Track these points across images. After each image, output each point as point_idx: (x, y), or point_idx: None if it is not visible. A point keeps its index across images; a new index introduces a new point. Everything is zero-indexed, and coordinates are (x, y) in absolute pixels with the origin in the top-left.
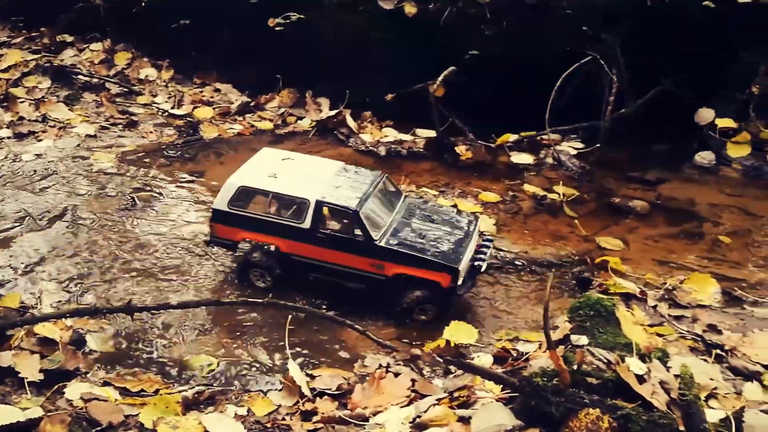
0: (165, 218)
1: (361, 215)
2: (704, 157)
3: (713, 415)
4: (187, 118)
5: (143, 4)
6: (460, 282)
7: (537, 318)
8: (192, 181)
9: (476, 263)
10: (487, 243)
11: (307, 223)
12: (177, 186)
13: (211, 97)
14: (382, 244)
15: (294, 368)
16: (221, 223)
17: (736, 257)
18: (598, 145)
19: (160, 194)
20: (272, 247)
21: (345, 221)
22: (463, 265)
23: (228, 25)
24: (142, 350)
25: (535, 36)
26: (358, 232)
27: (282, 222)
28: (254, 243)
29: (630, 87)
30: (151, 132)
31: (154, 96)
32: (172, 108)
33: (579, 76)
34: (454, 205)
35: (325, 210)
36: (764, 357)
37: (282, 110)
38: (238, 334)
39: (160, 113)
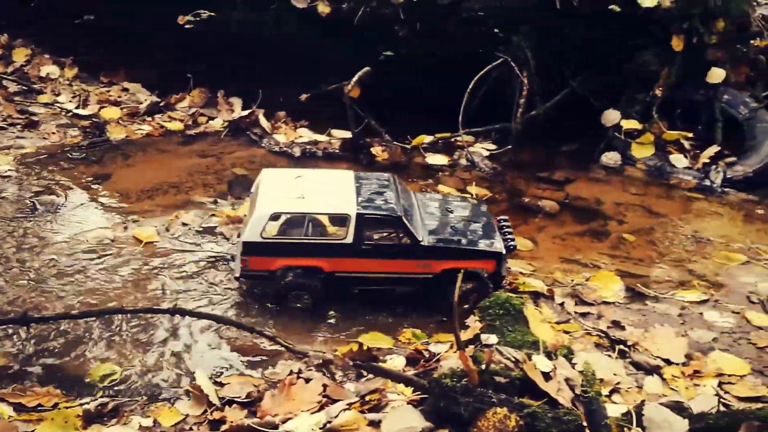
0: (68, 223)
1: (404, 220)
2: (610, 157)
3: (616, 409)
4: (93, 119)
5: None
6: (503, 266)
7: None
8: (97, 185)
9: (509, 244)
10: (506, 222)
11: (350, 238)
12: (81, 190)
13: (119, 97)
14: (427, 243)
15: (201, 376)
16: (255, 255)
17: (639, 254)
18: (510, 146)
19: (63, 198)
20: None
21: (388, 229)
22: (504, 249)
23: (136, 22)
24: (39, 363)
25: (448, 37)
26: (402, 236)
27: (323, 242)
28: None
29: (540, 89)
30: (53, 133)
31: (57, 95)
32: (77, 108)
33: (491, 78)
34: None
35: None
36: (664, 351)
37: (193, 110)
38: (144, 342)
39: (63, 113)
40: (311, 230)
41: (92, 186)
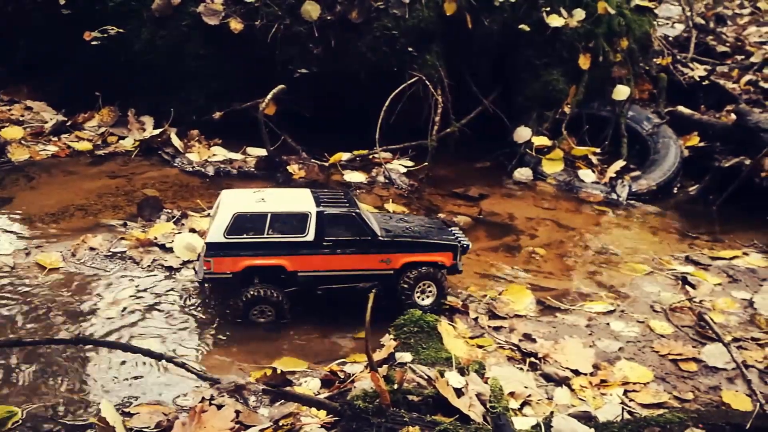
0: None
1: (362, 215)
2: (522, 173)
3: (526, 422)
4: None
5: None
6: (458, 260)
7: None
8: None
9: (462, 243)
10: (457, 227)
11: (311, 235)
12: None
13: (22, 116)
14: (387, 238)
15: (107, 407)
16: (218, 255)
17: (549, 268)
18: (426, 163)
19: None
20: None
21: (347, 225)
22: (459, 244)
23: (39, 38)
24: None
25: (362, 55)
26: (361, 232)
27: (285, 240)
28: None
29: (454, 107)
30: None
31: None
32: None
33: (406, 96)
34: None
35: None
36: (573, 362)
37: (102, 129)
38: (45, 376)
39: None
40: (273, 229)
41: None
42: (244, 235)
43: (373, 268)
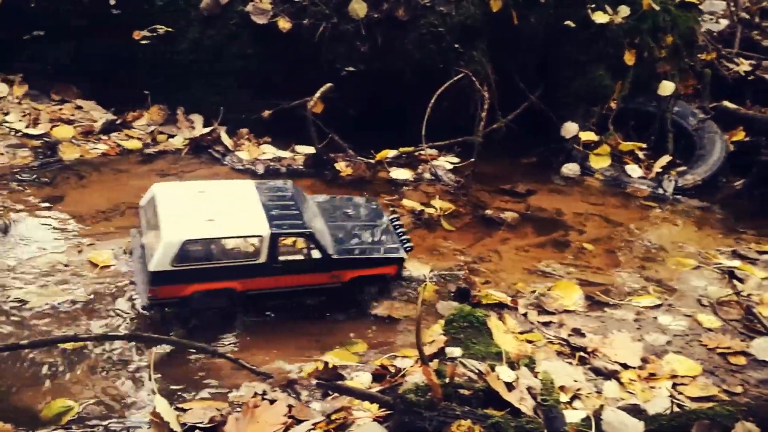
0: (18, 249)
1: (316, 237)
2: (570, 168)
3: (576, 415)
4: (44, 138)
5: None
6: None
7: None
8: (49, 208)
9: (407, 246)
10: (398, 222)
11: (263, 258)
12: (32, 213)
13: (72, 115)
14: (338, 257)
15: (161, 403)
16: (164, 284)
17: (598, 263)
18: (473, 159)
19: (11, 223)
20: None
21: (300, 246)
22: (404, 254)
23: (88, 38)
24: None
25: (408, 52)
26: (314, 251)
27: (237, 264)
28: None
29: (500, 103)
30: (1, 154)
31: (6, 114)
32: (27, 127)
33: (453, 92)
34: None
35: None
36: (622, 356)
37: (152, 128)
38: (100, 371)
39: (12, 133)
40: (223, 254)
41: (44, 209)
42: (193, 263)
43: (322, 283)
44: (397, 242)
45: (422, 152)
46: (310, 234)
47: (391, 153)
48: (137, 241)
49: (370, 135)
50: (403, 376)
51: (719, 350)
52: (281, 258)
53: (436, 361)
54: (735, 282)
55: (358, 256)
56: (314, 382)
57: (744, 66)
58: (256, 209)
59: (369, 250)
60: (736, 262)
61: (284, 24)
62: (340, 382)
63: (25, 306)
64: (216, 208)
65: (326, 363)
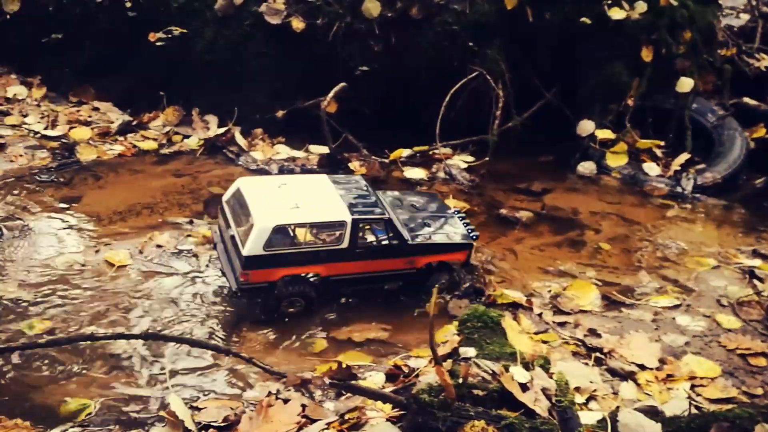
0: (37, 248)
1: (393, 222)
2: (586, 167)
3: (592, 416)
4: (62, 140)
5: (8, 17)
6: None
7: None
8: (67, 208)
9: (473, 234)
10: (462, 214)
11: (345, 243)
12: (50, 213)
13: (89, 117)
14: (413, 242)
15: (176, 401)
16: (255, 268)
17: (614, 262)
18: (487, 158)
19: (31, 223)
20: (311, 276)
21: (379, 230)
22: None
23: (105, 40)
24: (6, 394)
25: (422, 51)
26: (392, 237)
27: (321, 249)
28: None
29: (515, 101)
30: (20, 155)
31: (25, 116)
32: (45, 129)
33: (467, 91)
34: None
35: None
36: (638, 357)
37: (167, 129)
38: (116, 370)
39: (31, 135)
40: (309, 239)
41: (62, 209)
42: (282, 248)
43: (399, 269)
44: (464, 231)
45: (436, 151)
46: (389, 220)
47: (405, 152)
48: (219, 236)
49: (385, 134)
50: (417, 376)
51: (739, 351)
52: (361, 243)
53: (449, 361)
54: (755, 282)
55: (430, 242)
56: (328, 381)
57: (765, 61)
58: (336, 198)
59: (440, 237)
60: (757, 262)
61: (298, 24)
62: (353, 382)
63: (42, 305)
64: (298, 198)
65: (339, 363)
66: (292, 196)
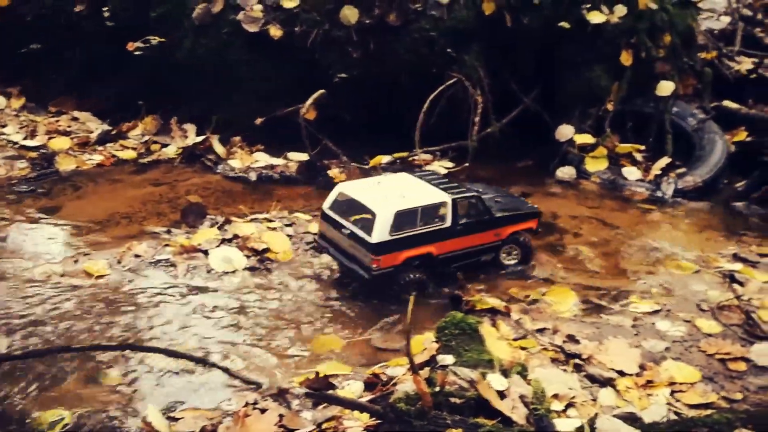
0: (15, 258)
1: (483, 198)
2: (565, 172)
3: (570, 423)
4: (41, 150)
5: None
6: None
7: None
8: (45, 219)
9: (535, 207)
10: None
11: (448, 222)
12: (29, 223)
13: (69, 127)
14: (499, 215)
15: (153, 412)
16: (385, 252)
17: (594, 267)
18: (467, 164)
19: (10, 233)
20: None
21: (473, 208)
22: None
23: (83, 50)
24: None
25: (401, 57)
26: (483, 212)
27: (432, 229)
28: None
29: (494, 107)
30: None
31: (3, 126)
32: (25, 139)
33: (446, 97)
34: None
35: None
36: (618, 363)
37: (146, 138)
38: (93, 381)
39: (10, 145)
40: (420, 221)
41: (40, 219)
42: (403, 231)
43: (490, 241)
44: (528, 204)
45: (416, 157)
46: (479, 196)
47: (385, 158)
48: (326, 242)
49: (367, 140)
50: (395, 384)
51: (719, 356)
52: (461, 221)
53: (427, 369)
54: (735, 286)
55: (511, 213)
56: (304, 391)
57: (746, 64)
58: (429, 186)
59: (516, 209)
60: (738, 266)
61: (276, 32)
62: (330, 392)
63: (18, 316)
64: (399, 190)
65: (317, 373)
66: (394, 189)
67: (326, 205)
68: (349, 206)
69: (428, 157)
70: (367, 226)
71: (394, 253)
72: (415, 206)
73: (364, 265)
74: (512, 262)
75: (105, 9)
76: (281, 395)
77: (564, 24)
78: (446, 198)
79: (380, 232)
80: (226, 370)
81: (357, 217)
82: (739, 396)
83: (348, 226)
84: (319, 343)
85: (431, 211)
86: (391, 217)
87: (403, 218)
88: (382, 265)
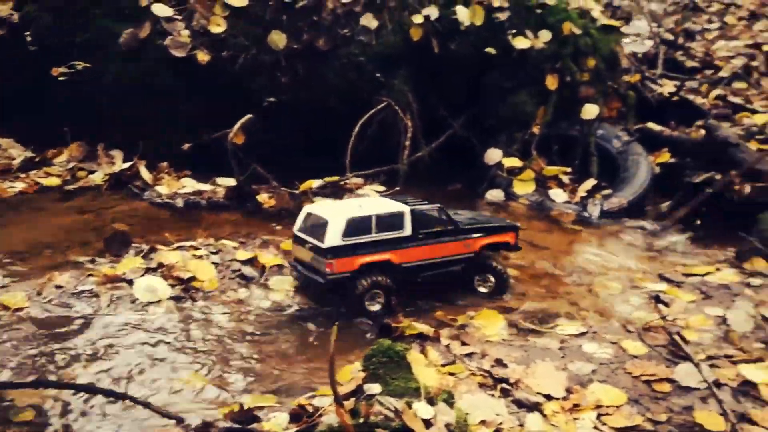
0: None
1: (444, 209)
2: (494, 194)
3: None
4: None
5: None
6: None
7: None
8: None
9: (515, 224)
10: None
11: (408, 230)
12: None
13: None
14: (465, 226)
15: None
16: (337, 257)
17: (522, 288)
18: (398, 188)
19: None
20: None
21: (434, 218)
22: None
23: (6, 74)
24: None
25: (329, 81)
26: (447, 222)
27: (389, 237)
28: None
29: (424, 131)
30: None
31: None
32: None
33: (376, 121)
34: None
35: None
36: (545, 387)
37: (71, 165)
38: (4, 421)
39: None
40: (377, 229)
41: None
42: (356, 237)
43: (458, 253)
44: (507, 220)
45: (347, 181)
46: (441, 207)
47: (316, 182)
48: (299, 263)
49: (303, 165)
50: (321, 416)
51: (644, 378)
52: (422, 230)
53: (352, 399)
54: (661, 306)
55: (480, 225)
56: (228, 425)
57: (668, 87)
58: (393, 202)
59: (488, 222)
60: (663, 286)
61: (203, 56)
62: (253, 425)
63: None
64: (362, 204)
65: (242, 405)
66: (355, 203)
67: (296, 227)
68: (314, 222)
69: (359, 180)
70: (322, 233)
71: (348, 257)
72: (369, 214)
73: (320, 271)
74: (485, 291)
75: (27, 33)
76: (205, 429)
77: (490, 50)
78: (404, 208)
79: (332, 237)
80: (146, 404)
81: (316, 228)
82: (663, 417)
83: (308, 239)
84: (244, 374)
85: (388, 220)
86: (342, 222)
87: (357, 224)
88: (335, 269)
